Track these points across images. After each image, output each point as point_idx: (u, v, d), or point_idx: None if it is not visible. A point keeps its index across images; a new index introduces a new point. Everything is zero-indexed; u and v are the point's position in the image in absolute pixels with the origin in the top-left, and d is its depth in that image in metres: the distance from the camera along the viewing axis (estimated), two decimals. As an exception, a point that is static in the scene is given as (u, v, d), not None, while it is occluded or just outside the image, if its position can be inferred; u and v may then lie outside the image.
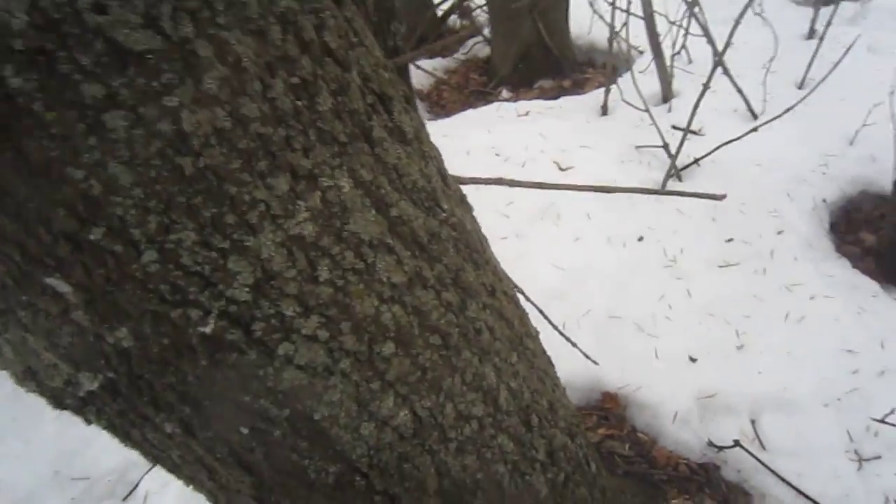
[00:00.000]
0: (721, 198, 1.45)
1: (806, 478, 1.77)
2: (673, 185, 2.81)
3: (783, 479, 1.76)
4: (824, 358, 2.10)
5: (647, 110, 2.95)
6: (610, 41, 3.40)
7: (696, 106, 2.73)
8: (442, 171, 0.80)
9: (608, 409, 2.03)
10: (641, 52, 3.99)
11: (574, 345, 1.77)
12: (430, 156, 0.76)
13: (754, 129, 2.71)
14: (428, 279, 0.73)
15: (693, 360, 2.13)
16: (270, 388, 0.63)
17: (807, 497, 1.73)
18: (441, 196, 0.76)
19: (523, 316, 1.06)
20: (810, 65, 3.32)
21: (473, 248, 0.84)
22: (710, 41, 3.08)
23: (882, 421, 1.89)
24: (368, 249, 0.65)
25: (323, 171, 0.58)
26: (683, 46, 3.68)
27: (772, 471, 1.78)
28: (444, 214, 0.76)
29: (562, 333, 1.74)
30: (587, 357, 1.85)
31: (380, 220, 0.66)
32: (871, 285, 2.39)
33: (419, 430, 0.78)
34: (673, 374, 2.07)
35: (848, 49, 2.93)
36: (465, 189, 0.92)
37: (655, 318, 2.28)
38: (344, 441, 0.71)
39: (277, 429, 0.66)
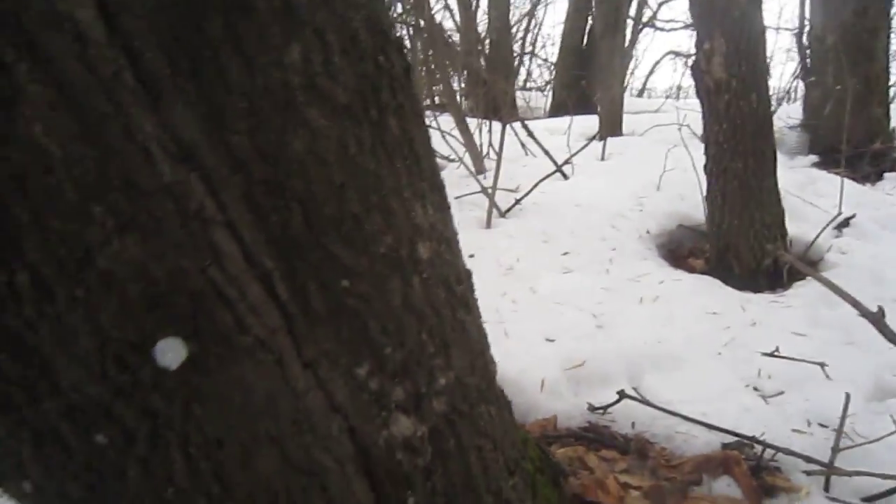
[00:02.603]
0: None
1: (712, 417, 1.36)
2: (496, 220, 2.62)
3: (690, 419, 1.33)
4: (690, 320, 1.81)
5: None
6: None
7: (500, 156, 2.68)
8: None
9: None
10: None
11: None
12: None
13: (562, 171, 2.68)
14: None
15: (550, 340, 1.73)
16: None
17: (722, 430, 1.30)
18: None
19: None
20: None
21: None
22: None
23: (772, 355, 1.58)
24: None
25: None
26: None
27: (674, 413, 1.35)
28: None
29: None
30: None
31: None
32: (714, 280, 2.22)
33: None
34: (529, 351, 1.64)
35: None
36: None
37: (500, 311, 1.88)
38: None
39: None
